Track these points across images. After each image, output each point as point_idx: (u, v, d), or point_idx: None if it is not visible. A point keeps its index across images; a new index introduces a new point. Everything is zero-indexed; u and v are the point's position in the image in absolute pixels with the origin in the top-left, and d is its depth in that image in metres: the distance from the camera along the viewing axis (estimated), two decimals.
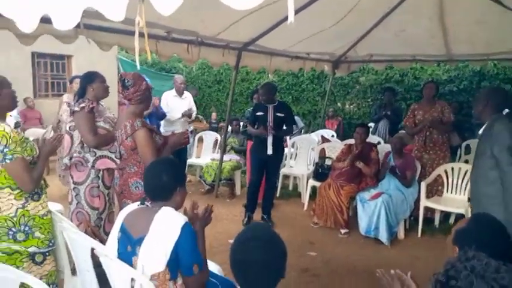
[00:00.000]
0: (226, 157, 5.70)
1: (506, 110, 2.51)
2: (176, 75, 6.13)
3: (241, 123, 6.13)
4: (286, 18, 4.02)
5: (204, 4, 2.92)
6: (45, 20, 1.98)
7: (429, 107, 4.66)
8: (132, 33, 3.40)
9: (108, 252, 1.77)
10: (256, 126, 4.65)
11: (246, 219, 4.69)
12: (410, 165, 4.42)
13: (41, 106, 7.95)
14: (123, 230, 1.79)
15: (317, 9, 3.82)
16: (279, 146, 4.62)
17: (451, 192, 4.47)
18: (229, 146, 5.96)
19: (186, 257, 1.69)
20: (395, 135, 4.83)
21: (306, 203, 5.21)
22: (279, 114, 4.52)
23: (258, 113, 4.60)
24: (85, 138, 2.93)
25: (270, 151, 4.51)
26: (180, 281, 1.73)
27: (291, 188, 6.10)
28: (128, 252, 1.73)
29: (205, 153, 6.46)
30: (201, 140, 6.70)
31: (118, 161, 2.95)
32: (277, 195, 5.43)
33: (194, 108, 5.98)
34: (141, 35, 1.76)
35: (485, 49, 5.16)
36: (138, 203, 1.88)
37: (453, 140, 5.05)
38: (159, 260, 1.65)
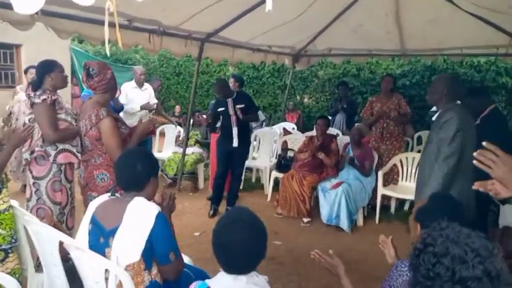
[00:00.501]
0: (188, 150, 5.65)
1: (458, 102, 2.69)
2: (136, 66, 5.95)
3: (204, 116, 6.09)
4: (250, 10, 4.12)
5: None
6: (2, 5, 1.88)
7: (386, 99, 4.89)
8: (92, 21, 3.30)
9: (79, 244, 1.72)
10: (220, 122, 4.69)
11: (212, 211, 4.71)
12: (369, 156, 4.62)
13: None
14: (94, 221, 1.75)
15: (280, 2, 3.87)
16: (244, 138, 4.68)
17: (406, 181, 4.73)
18: (193, 140, 5.91)
19: (161, 245, 1.69)
20: (354, 127, 5.02)
21: (270, 194, 5.29)
22: (239, 106, 4.57)
23: (220, 109, 4.64)
24: (45, 132, 2.77)
25: (235, 143, 4.56)
26: (154, 270, 1.73)
27: (253, 180, 6.17)
28: (100, 243, 1.70)
29: (167, 147, 6.36)
30: (162, 134, 6.59)
31: (79, 155, 2.87)
32: (241, 187, 5.47)
33: (154, 100, 5.86)
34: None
35: (437, 45, 5.47)
36: (109, 194, 1.84)
37: (408, 132, 5.32)
38: (134, 250, 1.63)
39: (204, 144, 5.86)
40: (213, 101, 5.66)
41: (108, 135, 2.39)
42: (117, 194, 1.84)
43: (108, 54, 2.30)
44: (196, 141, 5.95)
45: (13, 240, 2.12)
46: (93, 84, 2.46)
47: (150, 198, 1.85)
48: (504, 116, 3.44)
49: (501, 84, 6.98)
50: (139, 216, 1.68)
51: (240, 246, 1.32)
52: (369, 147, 4.77)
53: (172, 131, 6.45)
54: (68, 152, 2.89)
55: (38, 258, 2.26)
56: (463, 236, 0.90)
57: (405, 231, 4.37)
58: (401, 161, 4.75)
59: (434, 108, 6.42)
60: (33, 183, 2.88)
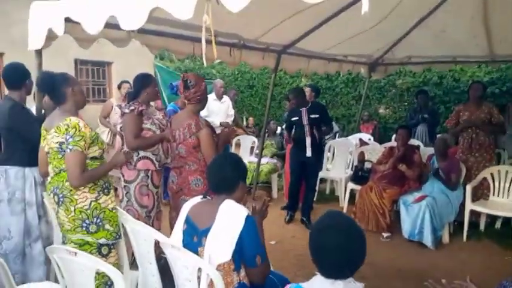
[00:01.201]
0: (263, 160, 5.75)
1: None
2: (216, 79, 6.25)
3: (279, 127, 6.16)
4: (327, 20, 4.12)
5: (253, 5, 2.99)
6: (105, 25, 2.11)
7: (475, 107, 4.55)
8: (180, 37, 3.54)
9: (175, 243, 1.84)
10: (293, 132, 4.73)
11: (288, 217, 4.83)
12: (455, 168, 4.31)
13: (83, 111, 8.24)
14: (188, 221, 1.86)
15: (358, 10, 3.82)
16: (317, 148, 4.69)
17: (498, 196, 4.34)
18: (268, 150, 6.00)
19: (249, 248, 1.74)
20: (439, 137, 4.74)
21: (345, 207, 5.17)
22: (313, 116, 4.58)
23: (293, 118, 4.69)
24: (127, 139, 3.02)
25: (309, 153, 4.57)
26: (243, 272, 1.78)
27: (327, 191, 6.07)
28: (194, 242, 1.80)
29: (242, 157, 6.50)
30: (237, 144, 6.79)
31: (157, 164, 3.06)
32: (315, 198, 5.41)
33: (232, 111, 6.08)
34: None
35: None
36: (201, 196, 1.95)
37: (501, 143, 4.88)
38: (225, 250, 1.71)
39: (280, 156, 5.91)
40: (286, 113, 5.71)
41: (207, 144, 2.57)
42: (208, 197, 1.94)
43: (205, 64, 2.47)
44: (273, 154, 6.03)
45: (118, 236, 2.32)
46: (189, 95, 2.66)
47: (238, 201, 1.92)
48: None
49: None
50: (230, 217, 1.75)
51: (336, 251, 1.32)
52: (455, 158, 4.45)
53: (247, 141, 6.62)
54: (147, 159, 3.09)
55: (133, 255, 2.46)
56: None
57: (497, 251, 4.01)
58: (492, 175, 4.37)
59: None
60: (124, 186, 3.13)
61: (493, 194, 4.37)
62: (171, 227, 2.94)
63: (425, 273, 3.49)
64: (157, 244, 1.99)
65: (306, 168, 4.68)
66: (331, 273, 1.34)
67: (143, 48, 3.42)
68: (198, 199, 1.94)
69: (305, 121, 4.58)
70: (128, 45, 3.22)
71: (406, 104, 8.55)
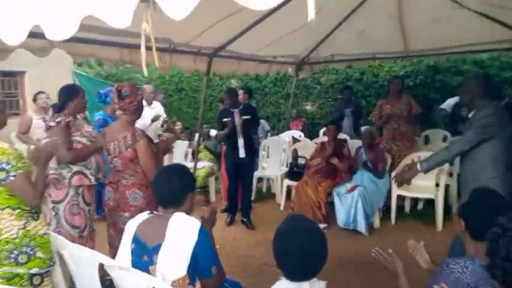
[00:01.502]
0: (199, 164, 5.68)
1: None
2: (145, 85, 6.00)
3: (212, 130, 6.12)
4: (257, 22, 4.18)
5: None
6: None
7: (396, 100, 4.95)
8: (108, 44, 3.35)
9: (123, 264, 1.74)
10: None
11: (229, 220, 4.84)
12: (381, 158, 4.65)
13: None
14: (136, 240, 1.77)
15: (287, 12, 3.94)
16: (250, 148, 4.76)
17: (420, 180, 4.73)
18: (204, 154, 5.93)
19: (205, 259, 1.71)
20: (365, 130, 5.06)
21: (283, 203, 5.31)
22: (245, 117, 4.65)
23: (225, 119, 4.69)
24: (60, 153, 2.81)
25: (242, 154, 4.63)
26: (198, 284, 1.75)
27: (264, 190, 6.18)
28: (144, 262, 1.72)
29: (177, 161, 6.36)
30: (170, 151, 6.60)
31: (93, 179, 2.90)
32: (252, 198, 5.48)
33: (164, 116, 5.90)
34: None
35: (440, 44, 5.53)
36: (147, 212, 1.87)
37: (416, 131, 5.36)
38: (180, 266, 1.66)
39: (215, 154, 5.87)
40: None
41: (145, 155, 2.46)
42: (155, 212, 1.86)
43: (146, 74, 2.34)
44: (211, 152, 5.97)
45: (51, 263, 2.13)
46: (124, 105, 2.52)
47: (188, 213, 1.87)
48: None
49: (504, 79, 7.03)
50: (182, 231, 1.70)
51: (301, 254, 1.35)
52: (381, 149, 4.80)
53: (180, 147, 6.47)
54: (81, 174, 2.91)
55: (71, 280, 2.28)
56: None
57: (421, 229, 4.41)
58: (413, 161, 4.75)
59: (443, 105, 6.46)
60: (52, 207, 2.89)
61: (415, 178, 4.75)
62: (110, 246, 2.79)
63: (362, 258, 3.73)
64: (100, 266, 1.88)
65: (240, 169, 4.73)
66: (297, 276, 1.37)
67: (62, 55, 3.18)
68: (144, 215, 1.86)
69: (237, 122, 4.61)
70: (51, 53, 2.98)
71: (330, 100, 8.99)
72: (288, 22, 4.47)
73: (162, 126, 5.50)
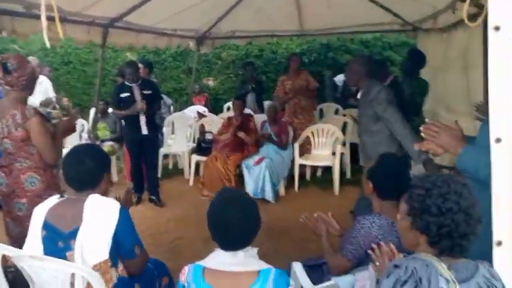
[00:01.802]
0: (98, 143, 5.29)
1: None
2: (29, 57, 5.29)
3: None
4: None
5: None
6: None
7: (296, 77, 5.23)
8: None
9: (34, 253, 1.58)
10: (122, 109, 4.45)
11: (136, 199, 4.58)
12: (284, 130, 4.91)
13: None
14: (48, 227, 1.61)
15: None
16: (153, 124, 4.58)
17: (318, 149, 5.15)
18: (102, 133, 5.51)
19: (127, 240, 1.65)
20: (269, 105, 5.26)
21: (192, 179, 5.27)
22: (146, 92, 4.43)
23: (123, 95, 4.40)
24: None
25: (144, 131, 4.45)
26: (121, 266, 1.68)
27: (171, 166, 6.06)
28: (59, 248, 1.58)
29: (71, 142, 5.79)
30: None
31: None
32: (159, 175, 5.33)
33: (52, 94, 5.35)
34: None
35: (332, 25, 5.96)
36: (57, 196, 1.70)
37: (314, 105, 5.74)
38: (101, 249, 1.57)
39: (117, 139, 5.50)
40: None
41: (38, 134, 2.19)
42: (65, 195, 1.71)
43: (48, 45, 1.99)
44: (109, 130, 5.57)
45: None
46: (11, 80, 2.21)
47: (103, 194, 1.76)
48: (401, 84, 3.95)
49: (385, 57, 7.89)
50: (102, 213, 1.60)
51: (237, 224, 1.37)
52: (284, 122, 5.05)
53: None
54: None
55: None
56: (447, 177, 1.11)
57: (320, 194, 4.83)
58: (312, 133, 5.14)
59: (337, 78, 7.01)
60: None
61: (315, 148, 5.16)
62: (8, 235, 2.49)
63: (271, 225, 3.95)
64: (3, 258, 1.67)
65: (144, 146, 4.52)
66: (234, 246, 1.40)
67: None
68: (54, 200, 1.69)
69: (138, 98, 4.36)
70: None
71: (232, 75, 9.08)
72: None
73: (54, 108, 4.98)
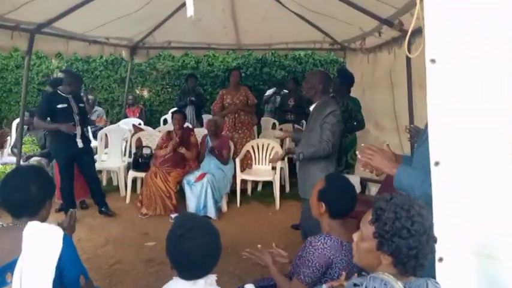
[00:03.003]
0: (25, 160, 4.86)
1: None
2: None
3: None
4: (87, 1, 3.80)
5: None
6: None
7: (235, 91, 5.28)
8: None
9: None
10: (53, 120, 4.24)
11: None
12: (226, 145, 4.90)
13: None
14: None
15: None
16: (86, 137, 4.49)
17: (259, 164, 5.22)
18: (28, 148, 5.06)
19: (72, 269, 1.54)
20: (210, 119, 5.22)
21: (129, 196, 5.03)
22: (81, 105, 4.38)
23: (60, 105, 4.17)
24: None
25: (80, 144, 4.30)
26: None
27: (105, 183, 5.72)
28: None
29: None
30: None
31: None
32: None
33: None
34: None
35: (267, 40, 6.15)
36: None
37: (254, 120, 5.82)
38: (43, 281, 1.43)
39: (47, 156, 5.09)
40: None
41: None
42: (0, 223, 1.55)
43: None
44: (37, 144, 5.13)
45: None
46: None
47: (43, 221, 1.62)
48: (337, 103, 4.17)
49: None
50: (43, 241, 1.47)
51: (201, 253, 1.34)
52: (225, 137, 5.05)
53: None
54: None
55: None
56: (409, 200, 1.18)
57: (263, 209, 4.87)
58: (252, 147, 5.21)
59: (268, 93, 7.19)
60: None
61: (255, 163, 5.23)
62: None
63: None
64: None
65: (79, 160, 4.38)
66: (195, 274, 1.36)
67: None
68: None
69: (75, 110, 4.23)
70: None
71: (168, 87, 8.89)
72: (123, 4, 4.24)
73: None
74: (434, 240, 1.17)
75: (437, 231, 1.19)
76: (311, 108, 3.11)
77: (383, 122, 4.74)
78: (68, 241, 1.53)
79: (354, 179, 4.04)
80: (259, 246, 2.09)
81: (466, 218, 1.26)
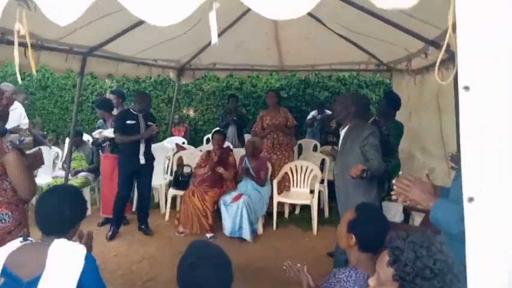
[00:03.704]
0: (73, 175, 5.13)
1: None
2: (3, 83, 5.15)
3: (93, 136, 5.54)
4: (136, 25, 4.00)
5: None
6: None
7: (274, 113, 5.28)
8: None
9: None
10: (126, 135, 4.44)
11: (111, 233, 4.51)
12: (263, 166, 4.88)
13: None
14: (6, 273, 1.50)
15: None
16: (149, 154, 4.62)
17: (297, 187, 5.12)
18: (77, 164, 5.33)
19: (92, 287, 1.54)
20: (248, 140, 5.24)
21: (168, 213, 5.13)
22: (149, 123, 4.53)
23: (129, 122, 4.40)
24: None
25: (142, 160, 4.46)
26: None
27: None
28: None
29: (44, 172, 5.56)
30: None
31: None
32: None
33: (26, 121, 5.22)
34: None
35: (310, 61, 6.11)
36: (20, 239, 1.60)
37: (293, 141, 5.76)
38: None
39: (93, 171, 5.33)
40: (101, 120, 5.23)
41: (16, 170, 2.11)
42: (29, 238, 1.61)
43: (19, 80, 1.91)
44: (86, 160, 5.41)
45: None
46: None
47: (69, 239, 1.66)
48: (380, 127, 4.02)
49: (362, 96, 8.10)
50: (66, 260, 1.51)
51: (211, 282, 1.31)
52: (263, 158, 5.03)
53: (48, 154, 5.73)
54: None
55: None
56: (426, 236, 1.08)
57: (299, 234, 4.74)
58: (291, 169, 5.14)
59: (310, 116, 7.10)
60: None
61: (293, 185, 5.14)
62: None
63: (249, 266, 3.85)
64: None
65: (139, 176, 4.56)
66: None
67: None
68: (16, 243, 1.58)
69: (143, 127, 4.44)
70: None
71: (212, 107, 9.10)
72: (169, 27, 4.38)
73: (20, 136, 4.86)
74: (458, 280, 1.05)
75: (469, 273, 1.07)
76: (341, 131, 3.02)
77: (430, 148, 4.49)
78: (90, 260, 1.56)
79: (397, 207, 3.84)
80: (299, 265, 2.04)
81: (501, 259, 1.12)
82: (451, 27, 1.16)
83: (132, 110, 4.49)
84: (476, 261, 1.13)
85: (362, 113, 3.08)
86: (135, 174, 4.52)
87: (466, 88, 1.14)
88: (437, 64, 1.37)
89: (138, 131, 4.40)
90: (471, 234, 1.14)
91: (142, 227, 4.67)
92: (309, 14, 4.07)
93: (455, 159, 2.50)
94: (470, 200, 1.14)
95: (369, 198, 2.90)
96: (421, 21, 3.03)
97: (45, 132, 8.63)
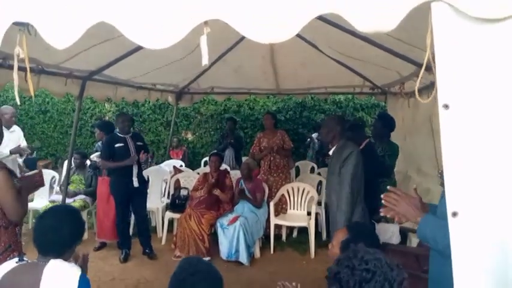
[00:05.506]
0: (70, 198, 5.11)
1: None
2: (3, 106, 5.21)
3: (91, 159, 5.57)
4: (135, 50, 4.09)
5: None
6: None
7: (272, 135, 5.34)
8: None
9: None
10: (113, 160, 4.45)
11: (123, 255, 4.52)
12: (260, 188, 4.88)
13: None
14: None
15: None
16: (141, 176, 4.63)
17: (294, 209, 5.11)
18: (75, 187, 5.33)
19: None
20: (243, 163, 5.26)
21: (164, 237, 5.09)
22: (139, 143, 4.55)
23: (117, 145, 4.42)
24: None
25: (136, 183, 4.46)
26: None
27: None
28: None
29: (41, 195, 5.56)
30: None
31: None
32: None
33: (24, 143, 5.25)
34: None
35: (306, 84, 6.23)
36: (15, 260, 1.61)
37: (290, 164, 5.78)
38: None
39: (90, 194, 5.33)
40: (99, 143, 5.28)
41: (5, 191, 2.10)
42: (25, 259, 1.62)
43: (19, 103, 1.97)
44: (84, 183, 5.41)
45: None
46: None
47: (66, 260, 1.67)
48: (375, 148, 4.05)
49: (358, 118, 8.21)
50: (60, 280, 1.51)
51: None
52: (259, 180, 5.04)
53: (45, 176, 5.71)
54: None
55: None
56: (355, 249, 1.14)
57: (297, 257, 4.68)
58: (288, 191, 5.13)
59: (308, 139, 7.17)
60: None
61: (290, 208, 5.12)
62: None
63: None
64: None
65: (134, 199, 4.54)
66: None
67: None
68: (12, 264, 1.59)
69: (132, 148, 4.43)
70: None
71: (210, 130, 9.18)
72: (168, 52, 4.48)
73: (22, 155, 4.88)
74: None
75: (456, 284, 1.10)
76: (330, 152, 3.08)
77: (425, 169, 4.53)
78: (84, 281, 1.56)
79: (393, 228, 3.83)
80: (294, 283, 2.02)
81: (486, 272, 1.14)
82: (429, 48, 1.22)
83: (118, 134, 4.51)
84: (461, 272, 1.15)
85: (352, 135, 3.15)
86: (130, 197, 4.50)
87: (446, 106, 1.19)
88: (417, 83, 1.42)
89: (128, 153, 4.39)
90: (456, 247, 1.17)
91: (147, 250, 4.64)
92: (304, 39, 4.23)
93: (442, 175, 2.53)
94: (454, 214, 1.17)
95: (353, 217, 2.93)
96: (409, 45, 3.12)
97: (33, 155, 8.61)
